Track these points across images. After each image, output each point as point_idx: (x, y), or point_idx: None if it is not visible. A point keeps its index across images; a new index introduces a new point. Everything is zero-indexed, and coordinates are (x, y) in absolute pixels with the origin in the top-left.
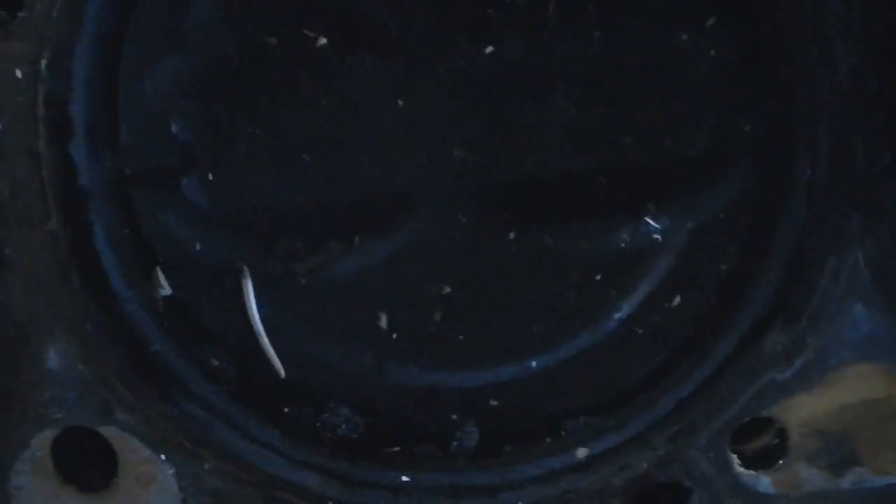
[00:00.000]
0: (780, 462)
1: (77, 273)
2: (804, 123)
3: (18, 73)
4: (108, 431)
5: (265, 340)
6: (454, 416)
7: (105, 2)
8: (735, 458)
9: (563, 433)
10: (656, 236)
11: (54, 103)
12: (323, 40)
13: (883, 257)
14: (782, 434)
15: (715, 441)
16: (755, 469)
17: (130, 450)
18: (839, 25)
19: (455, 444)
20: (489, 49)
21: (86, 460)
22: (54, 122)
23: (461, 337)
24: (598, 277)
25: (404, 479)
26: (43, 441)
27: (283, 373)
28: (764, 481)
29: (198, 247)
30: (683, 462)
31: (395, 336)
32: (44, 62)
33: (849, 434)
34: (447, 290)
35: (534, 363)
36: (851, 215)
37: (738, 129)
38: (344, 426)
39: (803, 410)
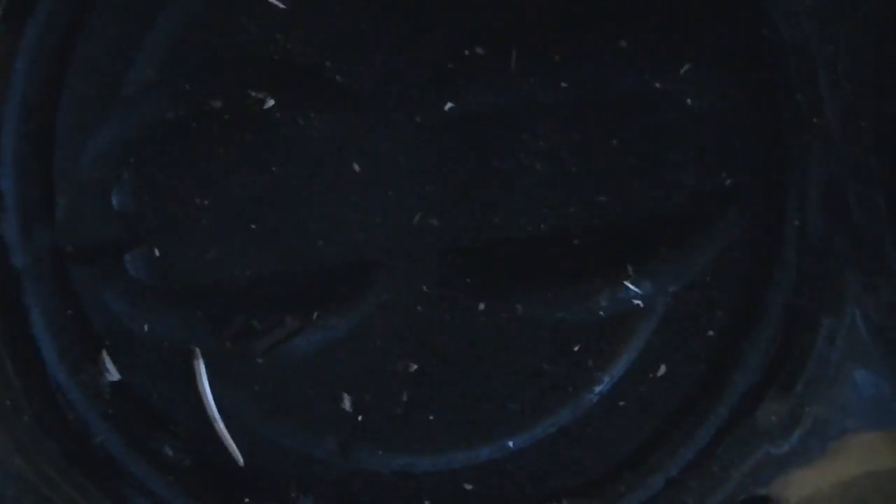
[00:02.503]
0: None
1: (11, 360)
2: (791, 173)
3: None
4: None
5: (221, 426)
6: (427, 503)
7: (34, 64)
8: None
9: None
10: (637, 301)
11: None
12: (271, 101)
13: (884, 315)
14: None
15: None
16: None
17: None
18: (826, 68)
19: None
20: (449, 105)
21: None
22: None
23: (431, 417)
24: (577, 348)
25: None
26: None
27: (241, 461)
28: None
29: (145, 327)
30: None
31: (360, 418)
32: None
33: None
34: (414, 367)
35: (510, 443)
36: (847, 270)
37: (721, 183)
38: None
39: (804, 487)
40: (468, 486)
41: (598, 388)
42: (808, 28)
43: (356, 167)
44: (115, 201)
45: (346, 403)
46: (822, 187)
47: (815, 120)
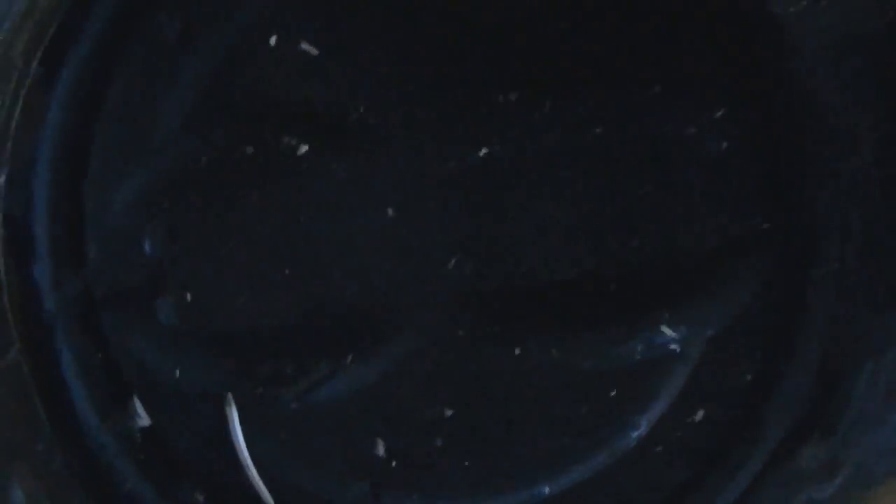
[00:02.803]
0: None
1: (43, 405)
2: (828, 211)
3: None
4: None
5: (254, 473)
6: None
7: (67, 111)
8: None
9: None
10: (673, 346)
11: (15, 223)
12: (304, 147)
13: None
14: None
15: None
16: None
17: None
18: (861, 103)
19: None
20: (483, 151)
21: None
22: (15, 242)
23: (466, 463)
24: (613, 393)
25: None
26: None
27: None
28: None
29: (176, 373)
30: None
31: (393, 464)
32: (2, 178)
33: None
34: (449, 412)
35: (546, 489)
36: (887, 309)
37: (756, 225)
38: None
39: None
40: None
41: (634, 433)
42: (841, 73)
43: (390, 212)
44: (146, 247)
45: (380, 449)
46: (860, 225)
47: (853, 162)
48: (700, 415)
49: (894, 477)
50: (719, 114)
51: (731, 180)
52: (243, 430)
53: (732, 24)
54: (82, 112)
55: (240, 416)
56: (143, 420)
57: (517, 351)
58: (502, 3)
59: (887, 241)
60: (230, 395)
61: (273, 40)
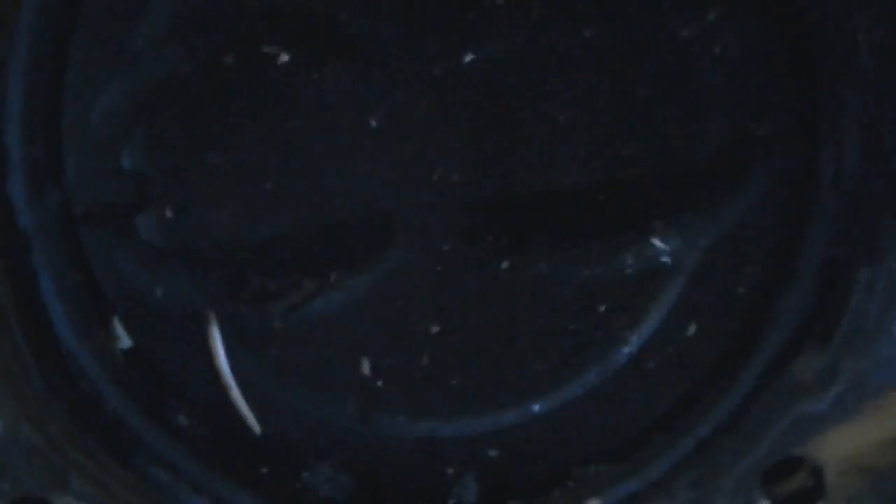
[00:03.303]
0: None
1: (20, 325)
2: (826, 120)
3: None
4: (62, 501)
5: (237, 393)
6: (450, 470)
7: (40, 17)
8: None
9: (571, 484)
10: (665, 258)
11: None
12: (285, 57)
13: None
14: (818, 473)
15: (743, 485)
16: None
17: None
18: (860, 10)
19: (452, 501)
20: (469, 57)
21: None
22: None
23: (453, 381)
24: (603, 307)
25: None
26: None
27: (258, 429)
28: None
29: (158, 292)
30: None
31: (379, 383)
32: None
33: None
34: (435, 328)
35: (536, 407)
36: (885, 218)
37: (751, 132)
38: (327, 486)
39: (841, 447)
40: (492, 453)
41: (625, 349)
42: None
43: (373, 122)
44: (125, 161)
45: (366, 368)
46: (859, 133)
47: (849, 64)
48: (692, 329)
49: (890, 389)
50: (713, 16)
51: (727, 85)
52: (227, 349)
53: None
54: (58, 16)
55: (223, 334)
56: (125, 341)
57: (505, 265)
58: None
59: (885, 147)
60: (212, 314)
61: None
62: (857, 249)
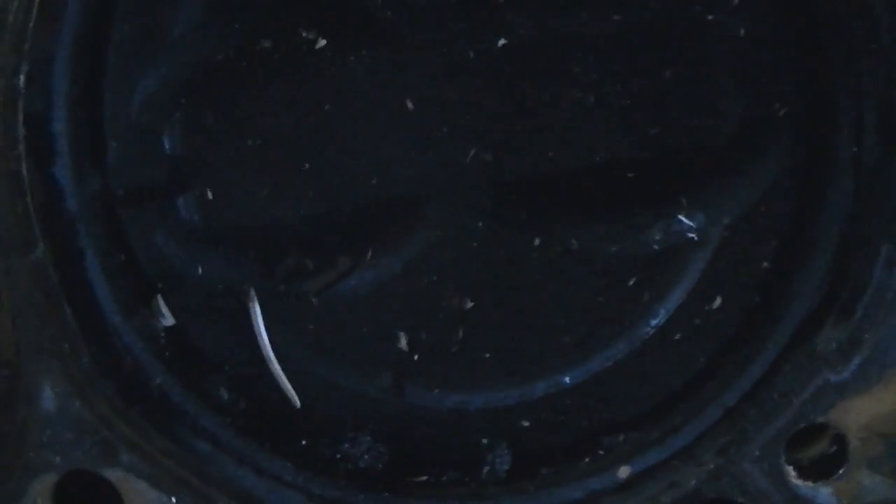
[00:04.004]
0: (840, 471)
1: (69, 304)
2: (846, 99)
3: None
4: (111, 474)
5: (277, 368)
6: (484, 440)
7: (85, 7)
8: (791, 470)
9: (601, 451)
10: (691, 234)
11: (35, 122)
12: (322, 41)
13: None
14: (841, 440)
15: (768, 451)
16: (813, 480)
17: (136, 492)
18: None
19: (486, 469)
20: (502, 41)
21: None
22: (36, 142)
23: (486, 354)
24: (631, 282)
25: None
26: (42, 487)
27: (297, 402)
28: (823, 492)
29: (199, 270)
30: (735, 476)
31: (415, 356)
32: (21, 77)
33: None
34: (469, 303)
35: (567, 378)
36: None
37: (773, 111)
38: (366, 456)
39: (863, 413)
40: (524, 423)
41: (653, 322)
42: None
43: (409, 104)
44: (166, 144)
45: (402, 342)
46: (879, 112)
47: (870, 44)
48: (718, 302)
49: None
50: (737, 0)
51: (750, 66)
52: (266, 325)
53: None
54: (100, 8)
55: (262, 311)
56: (167, 319)
57: (537, 241)
58: None
59: None
60: (253, 291)
61: None
62: (877, 226)
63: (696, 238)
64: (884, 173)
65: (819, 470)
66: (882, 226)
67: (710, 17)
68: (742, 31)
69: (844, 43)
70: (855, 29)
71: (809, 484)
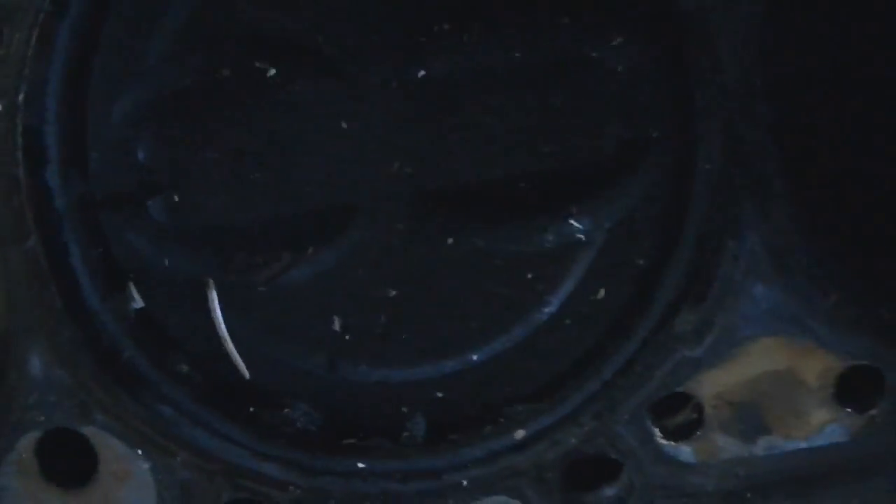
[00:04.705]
0: (698, 433)
1: (55, 287)
2: (700, 124)
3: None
4: (87, 431)
5: (230, 346)
6: (403, 409)
7: (72, 40)
8: (656, 431)
9: (502, 419)
10: (579, 236)
11: (31, 133)
12: (272, 70)
13: (778, 239)
14: (698, 407)
15: (636, 415)
16: (675, 440)
17: (108, 448)
18: (724, 36)
19: (405, 434)
20: (421, 72)
21: (67, 459)
22: (31, 150)
23: (406, 335)
24: (529, 275)
25: (359, 465)
26: (28, 443)
27: (247, 374)
28: (685, 451)
29: (165, 262)
30: (609, 436)
31: (347, 337)
32: (21, 96)
33: (758, 404)
34: (392, 292)
35: (474, 356)
36: (745, 201)
37: (646, 134)
38: (302, 420)
39: (715, 384)
40: (439, 394)
41: (547, 310)
42: (706, 2)
43: (343, 124)
44: (139, 155)
45: (336, 324)
46: (724, 135)
47: (717, 79)
48: (601, 293)
49: (751, 339)
50: (617, 41)
51: (628, 96)
52: (221, 309)
53: None
54: (87, 39)
55: (218, 298)
56: (137, 302)
57: (450, 241)
58: None
59: (744, 145)
60: (210, 281)
61: None
62: (725, 226)
63: (583, 239)
64: (728, 185)
65: (682, 433)
66: (727, 226)
67: (594, 55)
68: (620, 67)
69: (699, 80)
70: (707, 69)
71: (672, 444)
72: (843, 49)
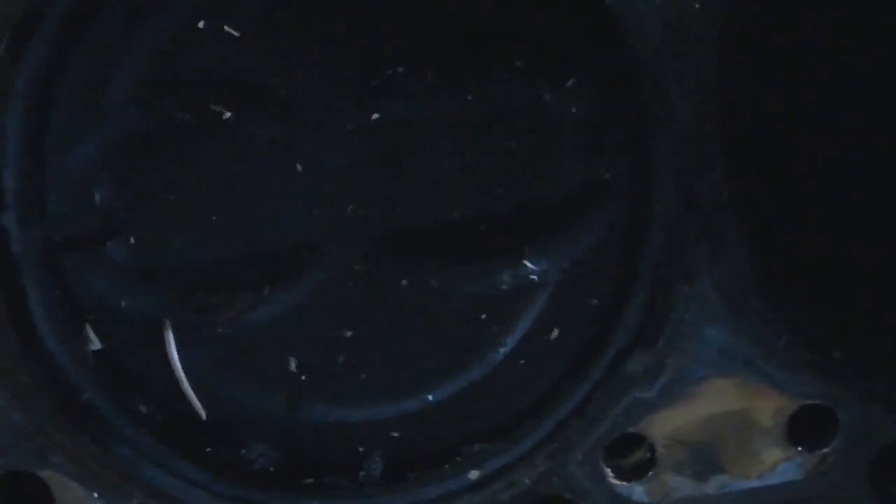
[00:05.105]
0: (651, 473)
1: (12, 330)
2: (653, 168)
3: None
4: (44, 474)
5: (187, 386)
6: (361, 448)
7: (30, 85)
8: (609, 471)
9: (459, 458)
10: (534, 277)
11: None
12: (228, 114)
13: (729, 282)
14: (650, 447)
15: (590, 456)
16: (628, 480)
17: (65, 490)
18: (676, 82)
19: (362, 473)
20: (375, 115)
21: (23, 503)
22: None
23: (363, 375)
24: (484, 316)
25: None
26: None
27: (204, 415)
28: (638, 490)
29: (123, 303)
30: (563, 476)
31: (303, 377)
32: None
33: (711, 444)
34: (349, 333)
35: (430, 396)
36: (697, 246)
37: (599, 176)
38: (260, 460)
39: (667, 425)
40: (395, 434)
41: (502, 350)
42: (660, 50)
43: (299, 167)
44: (97, 198)
45: (292, 365)
46: (677, 179)
47: (669, 124)
48: (555, 333)
49: (703, 380)
50: (570, 84)
51: (582, 139)
52: (179, 350)
53: (577, 16)
54: (44, 85)
55: (176, 339)
56: (95, 344)
57: (405, 282)
58: None
59: (697, 190)
60: (167, 321)
61: (201, 24)
62: (677, 271)
63: (538, 280)
64: (681, 230)
65: (635, 472)
66: (680, 271)
67: (547, 98)
68: (574, 109)
69: (652, 125)
70: (655, 111)
71: (625, 484)
72: (797, 96)
